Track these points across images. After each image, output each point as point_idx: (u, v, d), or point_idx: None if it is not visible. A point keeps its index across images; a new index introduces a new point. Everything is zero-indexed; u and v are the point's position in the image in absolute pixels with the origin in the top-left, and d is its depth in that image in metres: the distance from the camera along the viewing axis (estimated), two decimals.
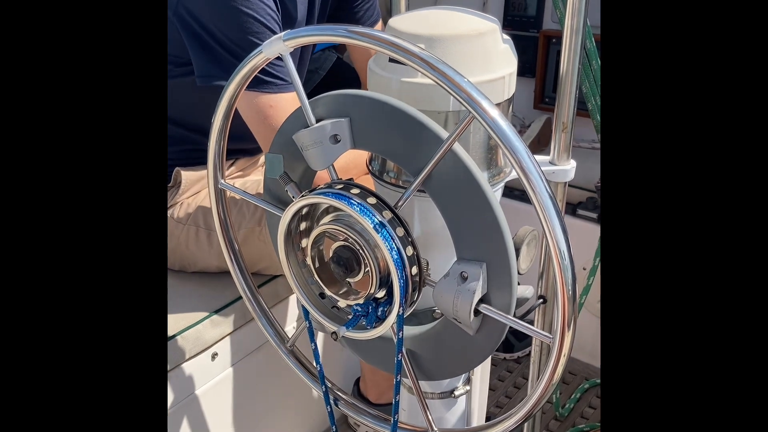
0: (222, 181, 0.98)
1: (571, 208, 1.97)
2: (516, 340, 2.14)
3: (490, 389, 1.96)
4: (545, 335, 0.76)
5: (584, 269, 1.90)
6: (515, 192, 1.93)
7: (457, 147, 0.75)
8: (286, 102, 1.35)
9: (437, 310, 0.98)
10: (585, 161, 1.96)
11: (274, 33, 1.35)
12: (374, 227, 0.77)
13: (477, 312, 0.78)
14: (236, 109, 0.95)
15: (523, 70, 2.15)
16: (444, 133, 0.76)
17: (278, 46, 0.82)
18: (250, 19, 1.32)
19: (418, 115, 0.77)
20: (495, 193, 0.94)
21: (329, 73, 2.12)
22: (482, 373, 1.16)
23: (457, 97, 0.71)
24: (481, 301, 0.78)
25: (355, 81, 1.83)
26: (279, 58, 1.34)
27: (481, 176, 0.75)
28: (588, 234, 1.84)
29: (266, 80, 1.33)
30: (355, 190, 0.80)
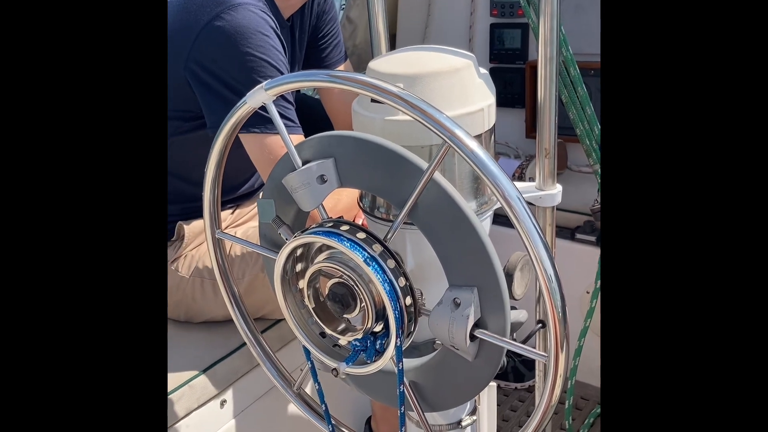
0: (218, 230, 1.00)
1: (570, 233, 1.98)
2: (526, 370, 2.13)
3: (503, 420, 1.96)
4: (540, 354, 0.77)
5: (587, 292, 1.90)
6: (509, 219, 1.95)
7: (438, 176, 0.78)
8: (294, 143, 1.38)
9: (438, 341, 0.99)
10: (580, 186, 1.99)
11: None
12: (365, 261, 0.79)
13: (473, 337, 0.79)
14: (229, 155, 0.98)
15: (513, 101, 2.19)
16: (424, 164, 0.78)
17: (261, 96, 0.85)
18: (264, 63, 1.35)
19: (398, 149, 0.80)
20: (484, 222, 0.96)
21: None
22: (488, 402, 1.16)
23: (436, 132, 0.73)
24: (477, 326, 0.79)
25: (319, 110, 1.85)
26: (285, 99, 1.38)
27: (464, 202, 0.77)
28: (588, 257, 1.85)
29: None
30: (345, 227, 0.82)
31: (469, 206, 0.78)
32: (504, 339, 0.79)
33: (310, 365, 0.96)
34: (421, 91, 0.86)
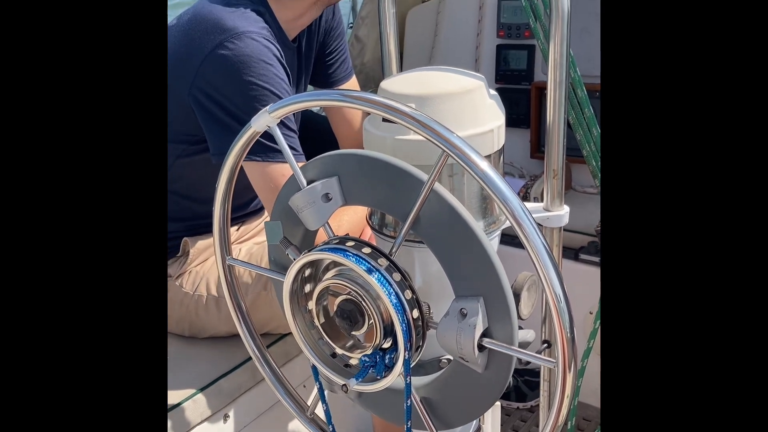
0: (229, 257, 1.01)
1: (573, 253, 1.99)
2: (528, 390, 2.13)
3: None
4: (548, 360, 0.77)
5: (590, 313, 1.91)
6: (515, 239, 1.96)
7: (439, 187, 0.79)
8: None
9: (443, 359, 1.00)
10: (584, 206, 2.00)
11: None
12: (370, 275, 0.80)
13: (481, 348, 0.79)
14: (238, 174, 0.99)
15: (518, 122, 2.20)
16: (425, 177, 0.79)
17: (265, 119, 0.86)
18: (267, 92, 1.34)
19: (399, 163, 0.81)
20: (492, 242, 0.96)
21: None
22: (493, 421, 1.16)
23: (448, 152, 0.74)
24: (484, 336, 0.79)
25: (326, 128, 1.85)
26: (288, 127, 1.38)
27: (465, 212, 0.78)
28: (592, 278, 1.86)
29: (277, 149, 1.34)
30: (351, 243, 0.83)
31: (470, 215, 0.79)
32: (512, 347, 0.79)
33: (318, 386, 0.97)
34: (432, 111, 0.87)
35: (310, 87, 1.77)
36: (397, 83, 0.95)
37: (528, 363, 1.03)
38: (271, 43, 1.40)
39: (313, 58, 1.71)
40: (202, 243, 1.59)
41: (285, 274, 0.91)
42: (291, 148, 1.38)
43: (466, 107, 0.90)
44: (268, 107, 0.86)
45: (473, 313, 0.78)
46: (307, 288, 0.91)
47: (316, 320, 0.90)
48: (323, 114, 1.92)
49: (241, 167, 1.35)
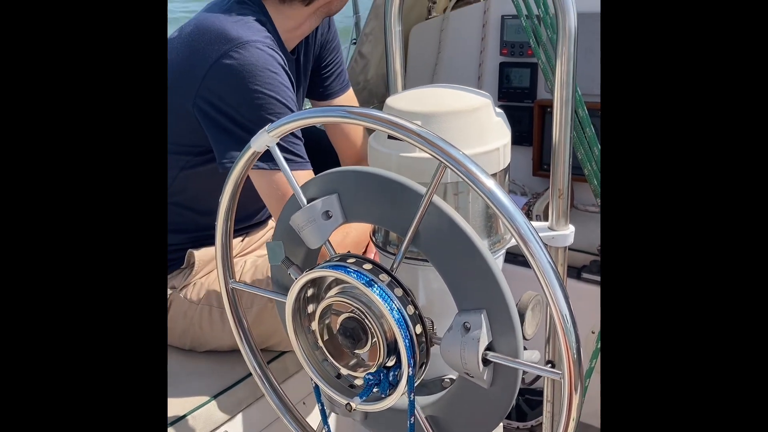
0: (232, 280, 1.01)
1: (575, 272, 1.98)
2: (529, 409, 2.11)
3: None
4: (555, 372, 0.76)
5: (593, 333, 1.90)
6: (519, 258, 1.95)
7: (437, 200, 0.78)
8: (303, 179, 1.39)
9: (446, 379, 0.99)
10: (586, 225, 1.99)
11: (293, 112, 1.38)
12: (372, 290, 0.79)
13: (486, 362, 0.79)
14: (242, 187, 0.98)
15: (521, 139, 2.21)
16: (423, 190, 0.79)
17: (264, 139, 0.86)
18: (273, 100, 1.35)
19: (397, 178, 0.81)
20: (497, 261, 0.96)
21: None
22: None
23: (455, 170, 0.74)
24: (488, 349, 0.79)
25: (327, 142, 1.85)
26: (293, 135, 1.39)
27: (465, 223, 0.78)
28: (594, 297, 1.84)
29: (284, 157, 1.35)
30: (352, 260, 0.83)
31: (470, 227, 0.79)
32: (517, 360, 0.78)
33: (320, 406, 0.96)
34: (439, 129, 0.87)
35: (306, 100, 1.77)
36: (403, 100, 0.95)
37: (533, 381, 1.02)
38: (275, 51, 1.40)
39: (310, 71, 1.71)
40: (206, 254, 1.58)
41: (286, 294, 0.90)
42: (297, 155, 1.39)
43: (473, 125, 0.90)
44: (266, 127, 0.86)
45: (476, 326, 0.78)
46: (310, 308, 0.90)
47: (320, 341, 0.89)
48: (323, 128, 1.93)
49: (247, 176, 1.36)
